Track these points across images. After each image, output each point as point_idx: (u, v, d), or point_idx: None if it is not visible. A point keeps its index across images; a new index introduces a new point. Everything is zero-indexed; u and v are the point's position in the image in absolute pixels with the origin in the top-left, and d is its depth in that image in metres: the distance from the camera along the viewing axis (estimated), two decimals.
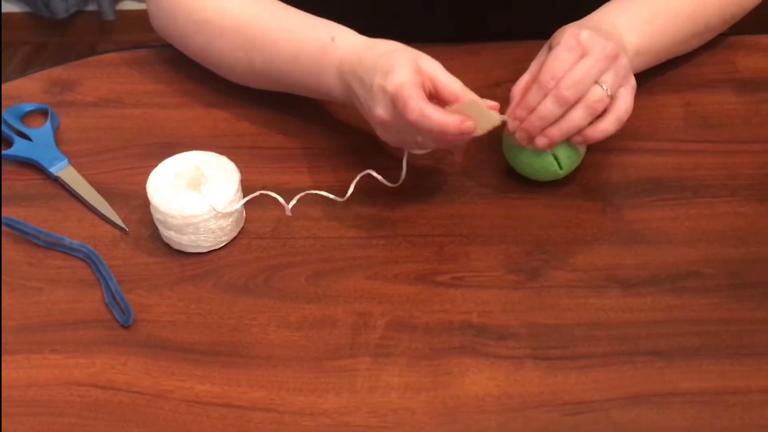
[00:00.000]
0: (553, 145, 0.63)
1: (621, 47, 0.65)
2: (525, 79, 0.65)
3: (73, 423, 0.55)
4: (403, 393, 0.56)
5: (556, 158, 0.65)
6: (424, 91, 0.60)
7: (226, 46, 0.71)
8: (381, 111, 0.61)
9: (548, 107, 0.61)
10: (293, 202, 0.64)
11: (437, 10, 0.80)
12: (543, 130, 0.62)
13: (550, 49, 0.64)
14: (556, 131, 0.62)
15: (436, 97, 0.61)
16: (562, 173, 0.66)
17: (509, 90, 0.65)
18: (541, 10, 0.79)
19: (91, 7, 1.99)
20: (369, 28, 0.67)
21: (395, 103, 0.59)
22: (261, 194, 0.65)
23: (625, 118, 0.63)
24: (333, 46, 0.66)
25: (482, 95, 0.63)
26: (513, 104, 0.64)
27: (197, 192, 0.63)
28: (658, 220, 0.66)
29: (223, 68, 0.74)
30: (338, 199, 0.65)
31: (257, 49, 0.70)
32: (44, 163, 0.70)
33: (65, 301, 0.61)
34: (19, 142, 0.71)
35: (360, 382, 0.56)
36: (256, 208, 0.67)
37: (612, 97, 0.62)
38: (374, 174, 0.65)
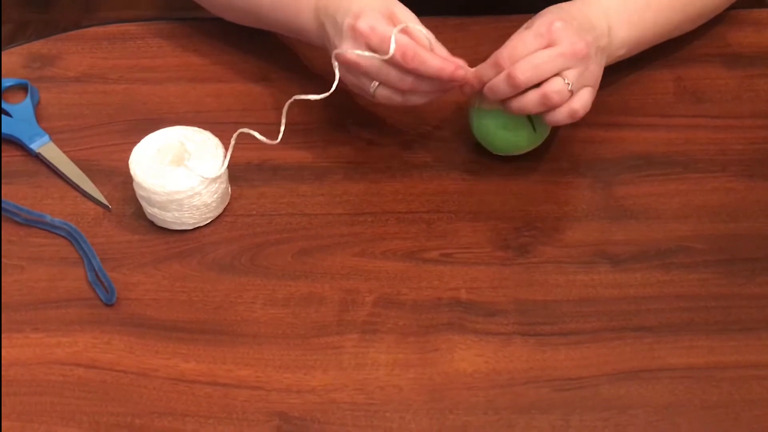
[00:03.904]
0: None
1: (606, 40, 0.63)
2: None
3: (56, 402, 0.54)
4: (391, 370, 0.55)
5: (530, 119, 0.63)
6: None
7: None
8: (350, 53, 0.59)
9: (499, 85, 0.59)
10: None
11: None
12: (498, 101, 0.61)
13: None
14: (506, 106, 0.61)
15: None
16: (526, 148, 0.65)
17: None
18: None
19: None
20: None
21: (373, 40, 0.58)
22: (247, 166, 0.64)
23: (580, 114, 0.60)
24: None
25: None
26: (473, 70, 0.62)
27: (181, 168, 0.62)
28: (647, 196, 0.65)
29: (214, 6, 0.74)
30: (269, 141, 0.62)
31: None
32: (24, 139, 0.68)
33: (47, 279, 0.60)
34: None
35: (347, 359, 0.56)
36: (242, 184, 0.66)
37: (572, 93, 0.60)
38: (253, 132, 0.62)
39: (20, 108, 0.71)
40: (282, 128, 0.62)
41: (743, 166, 0.67)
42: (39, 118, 0.71)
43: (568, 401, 0.54)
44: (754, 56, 0.76)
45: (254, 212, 0.64)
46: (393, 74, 0.59)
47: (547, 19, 0.60)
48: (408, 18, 0.61)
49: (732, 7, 0.78)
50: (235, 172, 0.66)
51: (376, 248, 0.62)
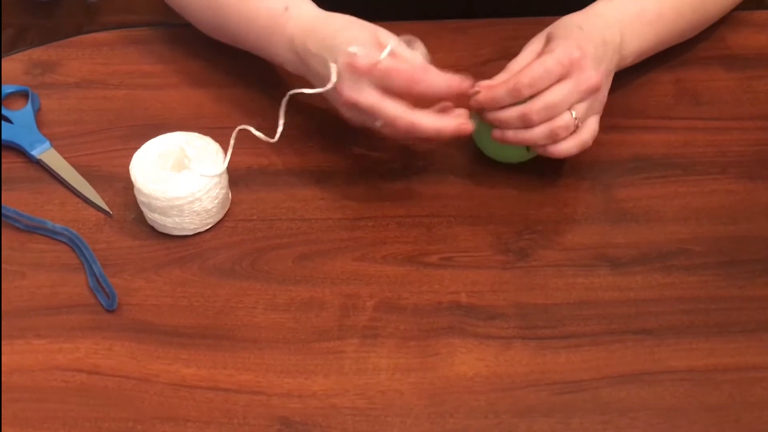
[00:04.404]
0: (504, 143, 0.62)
1: (618, 56, 0.64)
2: (515, 66, 0.62)
3: (58, 408, 0.54)
4: (392, 374, 0.55)
5: None
6: None
7: (194, 2, 0.72)
8: (349, 92, 0.59)
9: (512, 118, 0.60)
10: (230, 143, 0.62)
11: None
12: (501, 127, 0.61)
13: (547, 39, 0.62)
14: (512, 136, 0.61)
15: None
16: (529, 156, 0.65)
17: (495, 69, 0.64)
18: None
19: None
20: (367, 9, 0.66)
21: (382, 78, 0.58)
22: (247, 171, 0.64)
23: (589, 143, 0.62)
24: (286, 16, 0.65)
25: (472, 73, 0.62)
26: (488, 84, 0.61)
27: (182, 173, 0.62)
28: (647, 198, 0.65)
29: (193, 22, 0.75)
30: (268, 139, 0.62)
31: (219, 8, 0.70)
32: (25, 145, 0.69)
33: (48, 285, 0.61)
34: None
35: (348, 364, 0.56)
36: (243, 190, 0.66)
37: (578, 126, 0.60)
38: (252, 129, 0.62)
39: (21, 114, 0.71)
40: (280, 126, 0.62)
41: (743, 168, 0.67)
42: (40, 124, 0.71)
43: (569, 404, 0.54)
44: (752, 58, 0.76)
45: (254, 217, 0.65)
46: (390, 111, 0.59)
47: (567, 46, 0.60)
48: (393, 44, 0.60)
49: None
50: (236, 178, 0.66)
51: (376, 253, 0.62)
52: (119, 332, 0.58)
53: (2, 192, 0.66)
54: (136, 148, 0.63)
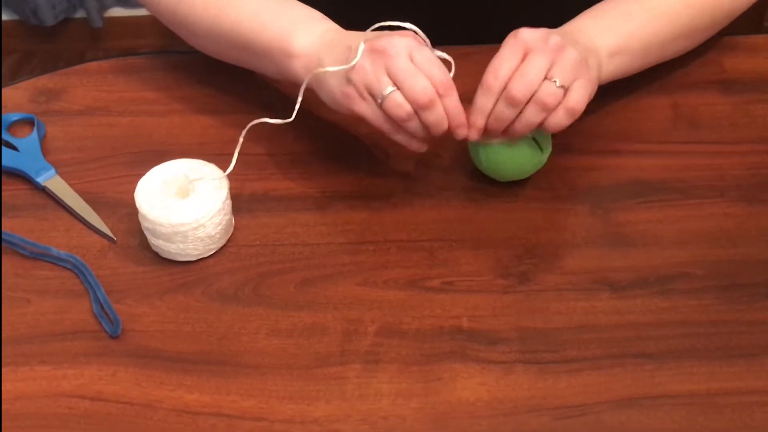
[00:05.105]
0: (514, 138, 0.63)
1: (593, 51, 0.65)
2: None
3: None
4: (394, 400, 0.55)
5: (536, 141, 0.64)
6: None
7: (199, 2, 0.71)
8: (384, 44, 0.59)
9: (502, 110, 0.61)
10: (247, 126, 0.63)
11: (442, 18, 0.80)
12: (502, 131, 0.62)
13: None
14: (512, 131, 0.62)
15: None
16: (544, 157, 0.66)
17: None
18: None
19: (79, 14, 1.99)
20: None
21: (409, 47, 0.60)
22: (250, 197, 0.64)
23: (578, 109, 0.61)
24: (324, 19, 0.67)
25: (471, 99, 0.63)
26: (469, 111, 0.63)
27: (186, 200, 0.62)
28: (646, 222, 0.66)
29: (187, 26, 0.73)
30: (283, 121, 0.64)
31: (232, 4, 0.69)
32: (31, 173, 0.69)
33: (53, 312, 0.61)
34: (5, 152, 0.71)
35: (350, 390, 0.56)
36: (245, 215, 0.67)
37: (566, 90, 0.61)
38: (268, 120, 0.64)
39: (27, 142, 0.72)
40: (297, 105, 0.63)
41: (741, 191, 0.68)
42: (45, 151, 0.72)
43: (570, 429, 0.54)
44: (749, 82, 0.77)
45: (257, 243, 0.65)
46: (420, 80, 0.59)
47: (512, 33, 0.62)
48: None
49: (727, 33, 0.79)
50: (238, 204, 0.67)
51: (378, 277, 0.62)
52: (123, 358, 0.58)
53: (8, 219, 0.67)
54: (140, 175, 0.64)
